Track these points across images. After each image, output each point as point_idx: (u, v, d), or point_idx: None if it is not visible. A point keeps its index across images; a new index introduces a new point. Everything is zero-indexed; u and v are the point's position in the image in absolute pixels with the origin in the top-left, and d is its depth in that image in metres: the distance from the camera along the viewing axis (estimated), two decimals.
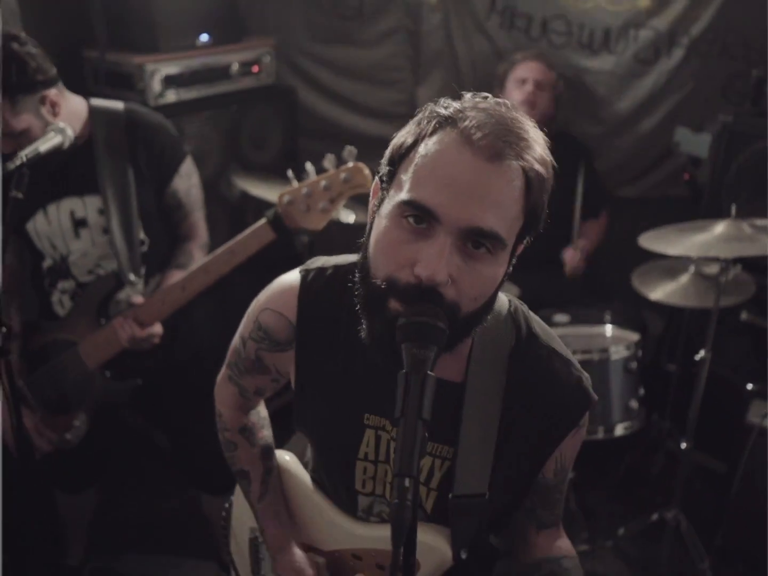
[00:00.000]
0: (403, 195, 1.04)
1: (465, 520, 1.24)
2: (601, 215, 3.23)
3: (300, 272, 1.32)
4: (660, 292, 2.64)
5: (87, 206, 2.20)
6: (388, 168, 1.10)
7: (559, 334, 2.62)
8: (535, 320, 1.28)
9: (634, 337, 2.69)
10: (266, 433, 1.53)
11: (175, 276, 2.24)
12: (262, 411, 1.55)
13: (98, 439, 2.39)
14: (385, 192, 1.10)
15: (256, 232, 2.07)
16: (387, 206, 1.07)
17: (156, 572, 2.83)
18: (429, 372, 0.94)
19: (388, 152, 1.11)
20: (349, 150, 1.93)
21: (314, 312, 1.28)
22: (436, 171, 1.02)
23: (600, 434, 2.54)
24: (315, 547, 1.43)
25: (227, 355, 1.46)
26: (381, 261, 1.06)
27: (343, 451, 1.31)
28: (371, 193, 1.18)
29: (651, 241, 2.54)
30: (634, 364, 2.59)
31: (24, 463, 1.98)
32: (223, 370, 1.48)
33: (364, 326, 1.10)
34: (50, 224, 2.19)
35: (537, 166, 1.05)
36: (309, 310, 1.28)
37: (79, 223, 2.21)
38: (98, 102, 2.25)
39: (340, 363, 1.27)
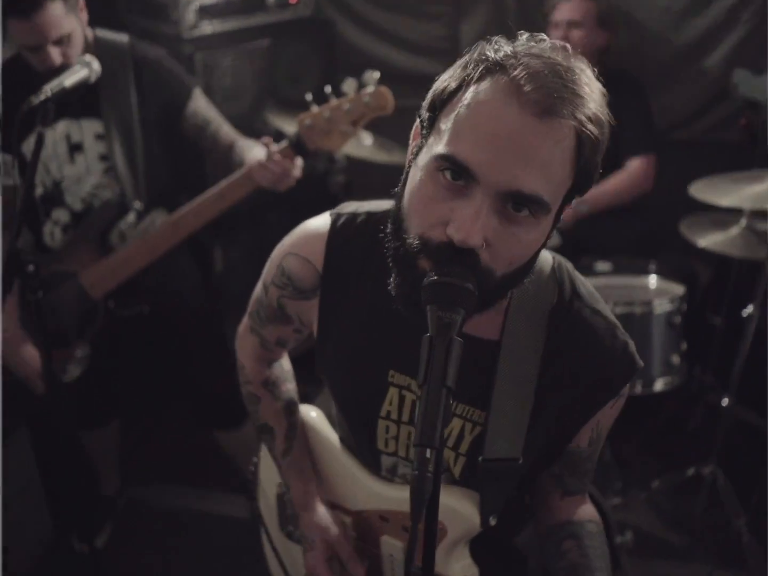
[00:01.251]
0: (441, 148, 0.95)
1: (495, 485, 1.19)
2: (647, 157, 3.07)
3: (330, 216, 1.25)
4: (709, 240, 2.53)
5: (84, 130, 2.17)
6: (428, 114, 1.02)
7: (600, 284, 2.63)
8: (580, 280, 1.20)
9: (679, 290, 2.59)
10: (290, 387, 1.49)
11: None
12: (285, 364, 1.51)
13: (105, 371, 2.40)
14: (424, 140, 1.02)
15: (280, 153, 2.05)
16: (424, 157, 0.99)
17: (188, 504, 2.88)
18: (455, 336, 0.88)
19: (429, 96, 1.02)
20: (371, 74, 1.92)
21: (342, 260, 1.22)
22: (479, 124, 0.93)
23: (638, 389, 2.47)
24: (341, 506, 1.40)
25: (249, 304, 1.41)
26: (414, 216, 0.99)
27: (364, 407, 1.26)
28: (411, 137, 1.09)
29: (702, 190, 2.43)
30: (677, 319, 2.50)
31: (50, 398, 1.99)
32: (245, 320, 1.44)
33: (392, 280, 1.04)
34: (45, 147, 2.15)
35: (590, 127, 0.94)
36: (337, 257, 1.22)
37: (74, 148, 2.18)
38: (102, 32, 2.22)
39: (366, 316, 1.21)
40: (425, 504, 0.82)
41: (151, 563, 2.64)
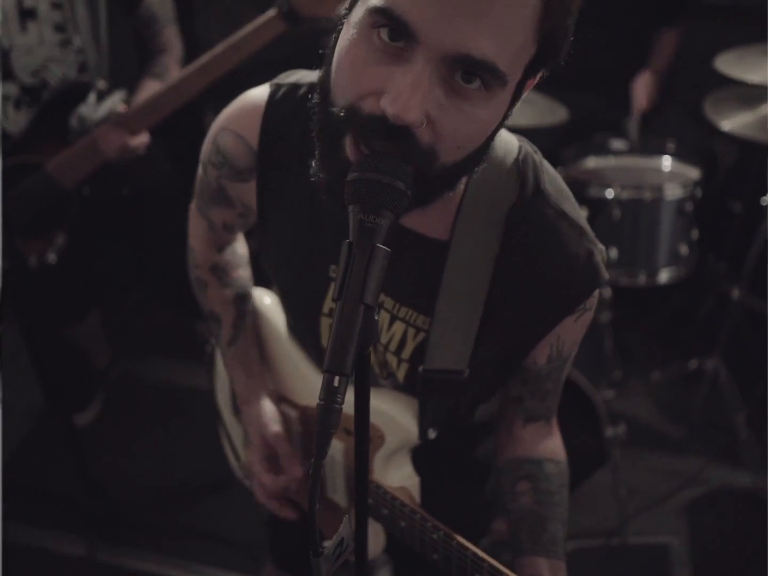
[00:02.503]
0: (376, 0, 0.78)
1: (436, 397, 1.10)
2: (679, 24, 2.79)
3: (270, 86, 1.09)
4: (735, 122, 2.32)
5: None
6: None
7: (610, 165, 2.44)
8: (549, 174, 1.04)
9: (694, 173, 2.39)
10: (242, 273, 1.38)
11: (151, 86, 2.06)
12: (239, 248, 1.39)
13: (84, 258, 2.33)
14: None
15: (265, 25, 1.83)
16: (358, 11, 0.81)
17: (179, 379, 2.87)
18: (379, 245, 0.75)
19: None
20: None
21: (280, 138, 1.07)
22: None
23: (642, 280, 2.33)
24: (289, 399, 1.33)
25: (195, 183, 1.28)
26: (343, 83, 0.83)
27: (307, 303, 1.16)
28: None
29: (729, 63, 2.20)
30: (689, 205, 2.32)
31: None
32: (193, 200, 1.31)
33: (314, 162, 0.89)
34: None
35: None
36: (274, 135, 1.08)
37: (26, 14, 1.98)
38: None
39: (307, 203, 1.08)
40: (330, 438, 0.72)
41: (141, 436, 2.66)
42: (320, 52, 0.89)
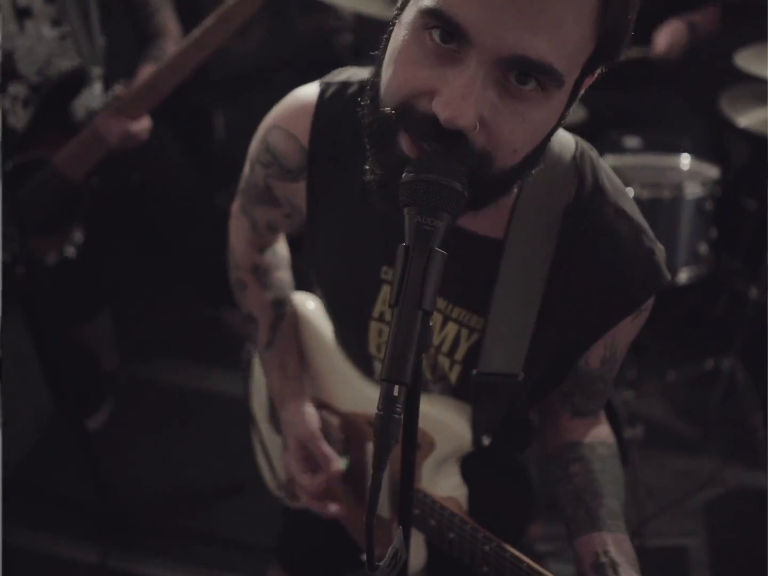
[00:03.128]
0: (427, 1, 0.75)
1: (490, 401, 1.07)
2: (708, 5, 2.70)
3: (319, 85, 1.07)
4: (752, 118, 2.29)
5: None
6: None
7: (627, 164, 2.41)
8: (606, 171, 1.02)
9: (713, 171, 2.36)
10: (281, 276, 1.35)
11: (150, 70, 2.00)
12: (280, 250, 1.37)
13: (97, 254, 2.29)
14: None
15: None
16: (410, 11, 0.79)
17: (189, 381, 2.84)
18: (436, 248, 0.72)
19: None
20: None
21: (330, 137, 1.05)
22: None
23: None
24: (330, 405, 1.30)
25: (240, 181, 1.26)
26: (394, 85, 0.80)
27: (355, 307, 1.13)
28: None
29: (749, 59, 2.17)
30: (709, 204, 2.30)
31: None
32: (236, 199, 1.29)
33: (368, 164, 0.87)
34: None
35: None
36: (324, 134, 1.06)
37: (22, 13, 1.94)
38: None
39: (358, 203, 1.05)
40: (391, 450, 0.69)
41: (152, 440, 2.62)
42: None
